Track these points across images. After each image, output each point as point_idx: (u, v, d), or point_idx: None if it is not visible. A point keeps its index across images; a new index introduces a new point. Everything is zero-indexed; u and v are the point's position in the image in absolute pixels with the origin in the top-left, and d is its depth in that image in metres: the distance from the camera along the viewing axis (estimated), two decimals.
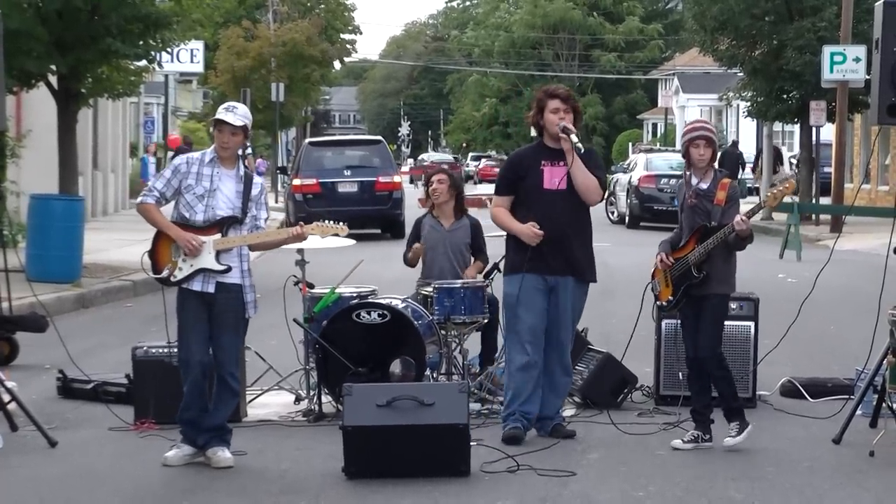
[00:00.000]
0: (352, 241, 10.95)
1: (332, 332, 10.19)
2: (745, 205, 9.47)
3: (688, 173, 9.42)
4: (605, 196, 40.28)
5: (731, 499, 8.02)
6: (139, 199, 8.95)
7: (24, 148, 22.11)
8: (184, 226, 8.78)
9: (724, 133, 61.74)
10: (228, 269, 8.77)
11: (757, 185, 40.39)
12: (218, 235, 8.76)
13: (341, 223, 9.31)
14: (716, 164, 9.45)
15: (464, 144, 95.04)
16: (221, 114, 8.84)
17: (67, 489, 8.29)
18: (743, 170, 42.07)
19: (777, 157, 42.16)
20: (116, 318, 16.65)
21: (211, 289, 8.76)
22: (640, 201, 34.78)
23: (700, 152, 9.29)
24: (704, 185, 9.32)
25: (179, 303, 8.86)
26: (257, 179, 9.03)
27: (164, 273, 8.82)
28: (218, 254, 8.75)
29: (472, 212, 11.63)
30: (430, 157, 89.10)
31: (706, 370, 9.26)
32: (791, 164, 39.64)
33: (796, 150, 42.66)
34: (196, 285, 8.77)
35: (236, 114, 8.83)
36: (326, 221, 9.28)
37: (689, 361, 9.40)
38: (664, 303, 9.51)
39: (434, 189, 11.22)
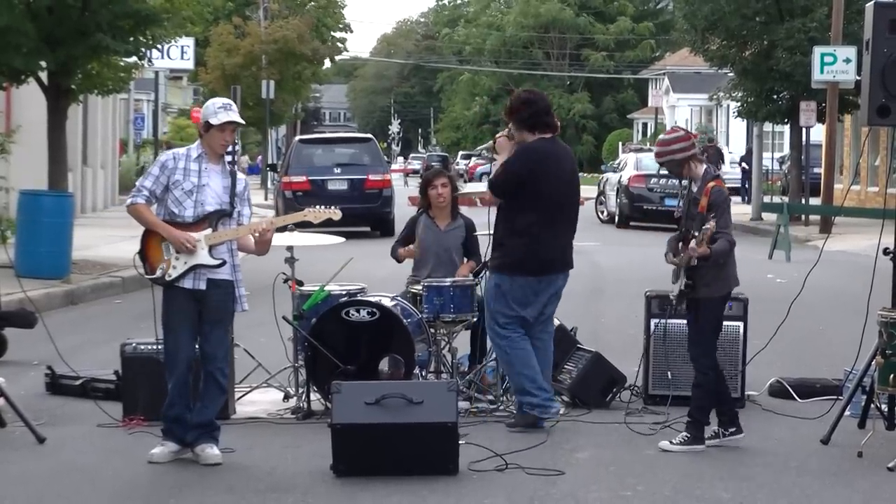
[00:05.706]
0: (341, 239, 10.96)
1: (321, 329, 10.19)
2: None
3: None
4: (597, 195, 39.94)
5: (720, 498, 8.03)
6: (129, 199, 8.90)
7: (13, 143, 22.06)
8: (173, 223, 8.77)
9: (714, 132, 61.77)
10: (223, 263, 8.76)
11: None
12: (209, 230, 8.75)
13: (333, 207, 9.33)
14: (703, 165, 9.25)
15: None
16: (231, 115, 8.77)
17: (55, 485, 8.27)
18: None
19: (719, 157, 42.16)
20: (105, 314, 16.63)
21: (202, 286, 8.74)
22: (629, 201, 34.83)
23: None
24: (694, 188, 9.18)
25: (168, 300, 8.83)
26: (241, 175, 9.03)
27: (158, 273, 8.78)
28: (210, 248, 8.75)
29: (463, 210, 11.63)
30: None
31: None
32: (742, 165, 39.67)
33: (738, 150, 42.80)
34: (187, 283, 8.74)
35: (236, 111, 8.87)
36: (318, 207, 9.30)
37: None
38: (672, 298, 9.39)
39: (440, 194, 11.19)
